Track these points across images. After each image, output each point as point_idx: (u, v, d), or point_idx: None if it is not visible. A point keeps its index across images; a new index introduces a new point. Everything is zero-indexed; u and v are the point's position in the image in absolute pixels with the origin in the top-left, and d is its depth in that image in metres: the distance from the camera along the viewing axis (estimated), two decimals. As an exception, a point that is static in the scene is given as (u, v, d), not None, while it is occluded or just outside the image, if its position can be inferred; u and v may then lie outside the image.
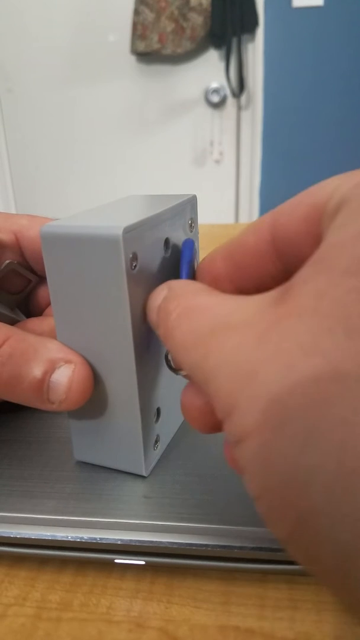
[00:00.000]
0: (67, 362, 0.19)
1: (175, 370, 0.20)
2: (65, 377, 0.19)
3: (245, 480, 0.12)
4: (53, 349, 0.20)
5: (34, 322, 0.25)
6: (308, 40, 1.61)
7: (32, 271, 0.26)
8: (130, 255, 0.18)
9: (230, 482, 0.21)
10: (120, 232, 0.17)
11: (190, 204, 0.23)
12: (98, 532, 0.19)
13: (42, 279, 0.27)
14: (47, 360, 0.19)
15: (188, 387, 0.17)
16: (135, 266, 0.18)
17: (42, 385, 0.19)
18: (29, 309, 0.27)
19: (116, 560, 0.19)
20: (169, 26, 1.58)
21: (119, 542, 0.19)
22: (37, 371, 0.19)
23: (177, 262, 0.23)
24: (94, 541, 0.19)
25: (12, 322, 0.25)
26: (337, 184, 0.14)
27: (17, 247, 0.25)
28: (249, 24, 1.57)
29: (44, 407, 0.20)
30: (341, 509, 0.10)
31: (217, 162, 1.82)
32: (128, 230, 0.18)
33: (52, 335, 0.24)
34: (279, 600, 0.19)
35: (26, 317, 0.27)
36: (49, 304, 0.27)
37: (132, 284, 0.18)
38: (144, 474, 0.21)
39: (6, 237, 0.25)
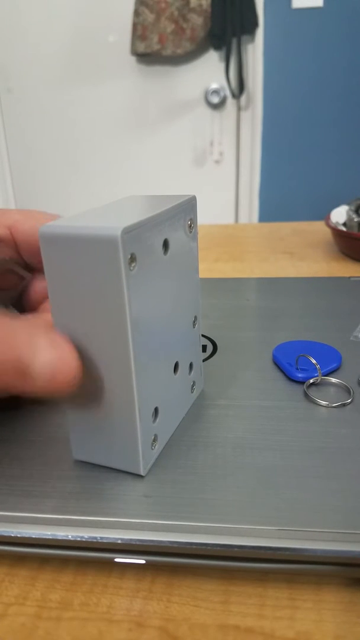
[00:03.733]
0: (53, 346, 0.19)
1: None
2: (50, 360, 0.19)
3: None
4: (39, 333, 0.20)
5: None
6: (308, 41, 1.61)
7: (27, 266, 0.26)
8: (129, 256, 0.18)
9: (229, 481, 0.21)
10: (118, 232, 0.17)
11: (189, 205, 0.23)
12: (98, 531, 0.19)
13: (36, 275, 0.27)
14: (33, 344, 0.19)
15: None
16: (133, 267, 0.18)
17: (27, 368, 0.19)
18: (23, 305, 0.27)
19: (116, 560, 0.19)
20: (169, 27, 1.58)
21: (119, 541, 0.19)
22: (22, 355, 0.19)
23: (178, 263, 0.23)
24: (94, 540, 0.19)
25: None
26: None
27: (12, 242, 0.25)
28: (248, 25, 1.58)
29: (28, 391, 0.20)
30: None
31: (217, 162, 1.82)
32: (127, 231, 0.18)
33: None
34: (278, 599, 0.19)
35: (20, 314, 0.27)
36: (43, 301, 0.27)
37: (131, 284, 0.18)
38: (142, 473, 0.21)
39: (0, 231, 0.25)
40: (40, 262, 0.25)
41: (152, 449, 0.22)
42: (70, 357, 0.19)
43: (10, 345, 0.19)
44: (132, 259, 0.18)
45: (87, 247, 0.18)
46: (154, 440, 0.22)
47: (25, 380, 0.19)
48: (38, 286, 0.27)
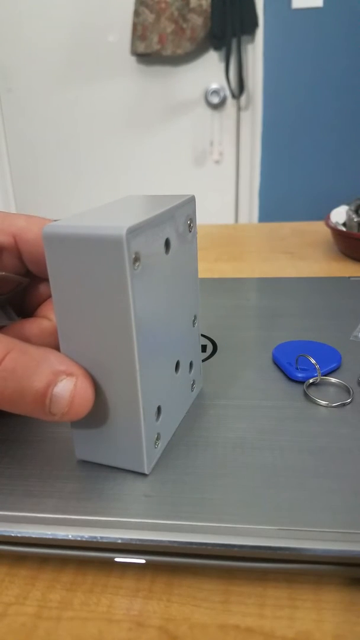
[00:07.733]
0: (69, 375, 0.19)
1: None
2: (68, 390, 0.19)
3: None
4: (55, 362, 0.20)
5: (24, 325, 0.25)
6: (307, 41, 1.62)
7: (27, 273, 0.26)
8: (133, 256, 0.18)
9: (229, 481, 0.21)
10: (123, 232, 0.17)
11: (189, 205, 0.23)
12: (98, 530, 0.19)
13: (34, 278, 0.26)
14: (50, 373, 0.19)
15: None
16: (137, 266, 0.18)
17: (45, 398, 0.19)
18: (21, 308, 0.27)
19: (116, 559, 0.19)
20: (169, 27, 1.58)
21: (119, 541, 0.19)
22: (39, 385, 0.19)
23: (178, 263, 0.23)
24: (95, 540, 0.19)
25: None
26: None
27: (16, 250, 0.25)
28: (248, 25, 1.58)
29: (46, 419, 0.20)
30: None
31: (217, 162, 1.82)
32: (131, 231, 0.18)
33: (43, 336, 0.24)
34: (278, 599, 0.19)
35: (19, 313, 0.27)
36: (40, 304, 0.27)
37: (135, 284, 0.18)
38: (146, 471, 0.21)
39: (4, 239, 0.24)
40: (44, 270, 0.24)
41: (156, 447, 0.22)
42: (87, 389, 0.20)
43: (29, 374, 0.19)
44: (137, 258, 0.18)
45: (91, 246, 0.18)
46: (157, 438, 0.22)
47: (42, 408, 0.19)
48: (36, 290, 0.27)
